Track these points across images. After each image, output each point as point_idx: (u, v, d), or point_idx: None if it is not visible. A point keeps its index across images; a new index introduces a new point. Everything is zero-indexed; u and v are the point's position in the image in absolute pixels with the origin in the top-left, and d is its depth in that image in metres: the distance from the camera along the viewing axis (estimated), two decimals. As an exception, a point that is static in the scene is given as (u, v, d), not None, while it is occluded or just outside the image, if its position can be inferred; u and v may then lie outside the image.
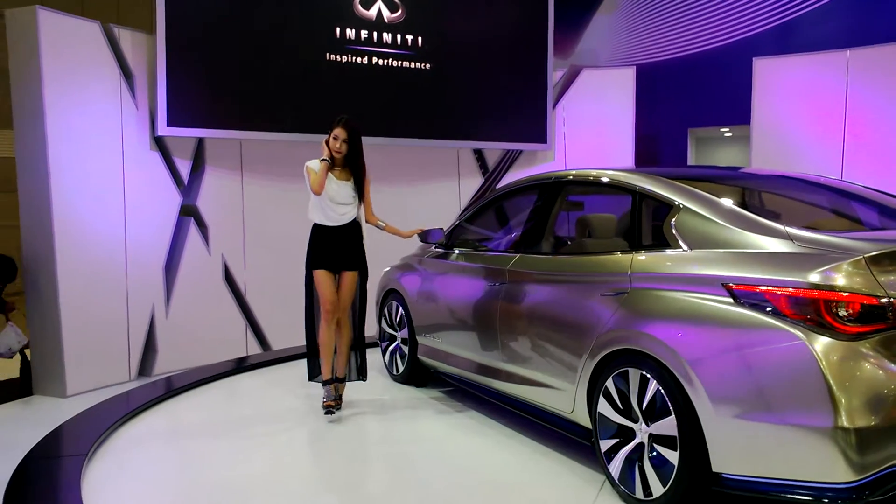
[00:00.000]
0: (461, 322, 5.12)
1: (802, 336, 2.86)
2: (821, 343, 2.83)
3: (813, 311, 2.87)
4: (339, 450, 4.58)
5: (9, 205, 6.23)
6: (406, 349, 5.92)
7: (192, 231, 6.72)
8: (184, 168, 6.70)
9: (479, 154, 8.47)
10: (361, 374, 5.46)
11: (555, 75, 8.54)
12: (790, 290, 2.93)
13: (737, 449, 3.03)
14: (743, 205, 3.64)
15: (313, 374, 5.39)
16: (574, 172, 4.67)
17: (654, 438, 3.34)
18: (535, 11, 8.27)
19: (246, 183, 7.08)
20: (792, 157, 7.29)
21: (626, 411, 3.52)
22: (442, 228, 5.59)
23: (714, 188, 3.79)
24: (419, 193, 7.98)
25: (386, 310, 6.22)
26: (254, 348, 7.12)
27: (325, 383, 5.20)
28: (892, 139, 6.87)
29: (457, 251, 5.47)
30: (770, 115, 7.53)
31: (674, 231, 3.54)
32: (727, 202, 3.55)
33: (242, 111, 6.81)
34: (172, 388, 5.76)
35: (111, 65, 6.12)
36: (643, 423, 3.41)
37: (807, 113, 7.34)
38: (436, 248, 5.73)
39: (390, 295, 6.15)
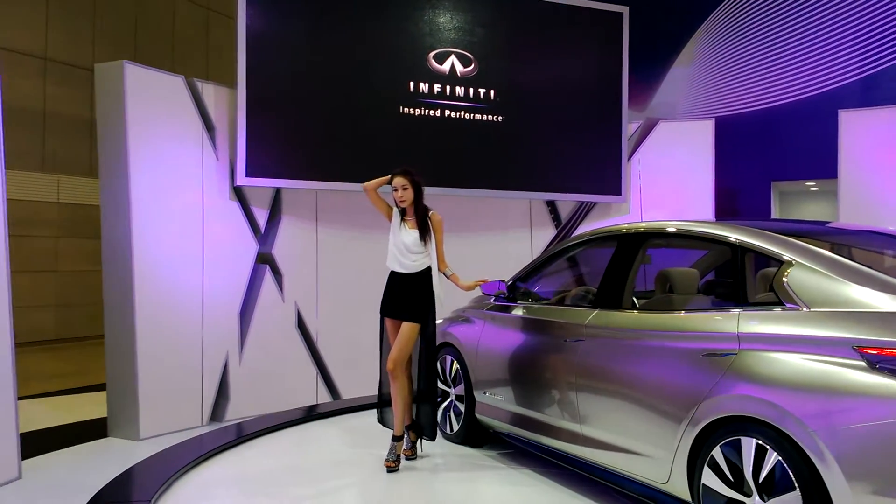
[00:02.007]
0: (529, 380, 4.86)
1: None
2: None
3: None
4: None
5: (94, 251, 6.46)
6: (461, 407, 5.66)
7: (268, 278, 6.85)
8: (261, 217, 6.87)
9: (551, 205, 8.41)
10: (425, 432, 5.35)
11: (630, 127, 8.46)
12: None
13: None
14: (860, 261, 3.38)
15: (384, 421, 5.44)
16: (661, 224, 4.43)
17: None
18: (609, 63, 8.24)
19: (320, 232, 7.21)
20: (882, 211, 6.99)
21: (737, 483, 3.24)
22: (504, 280, 5.41)
23: (821, 243, 3.53)
24: (491, 244, 7.95)
25: (439, 364, 5.89)
26: (323, 396, 7.14)
27: (392, 438, 5.19)
28: None
29: (522, 304, 5.23)
30: (858, 169, 7.26)
31: (787, 288, 3.30)
32: (846, 258, 3.32)
33: (318, 162, 6.96)
34: (242, 435, 5.81)
35: (194, 117, 6.36)
36: (757, 498, 3.14)
37: (897, 166, 7.06)
38: (495, 300, 5.50)
39: (444, 349, 5.85)
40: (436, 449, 5.53)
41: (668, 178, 8.44)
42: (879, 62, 8.40)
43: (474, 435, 5.63)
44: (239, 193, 6.71)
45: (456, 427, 5.74)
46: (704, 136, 8.40)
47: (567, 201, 8.37)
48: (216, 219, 6.48)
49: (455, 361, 5.76)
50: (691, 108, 10.02)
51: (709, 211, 8.30)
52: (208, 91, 6.50)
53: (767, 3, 9.34)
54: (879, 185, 7.13)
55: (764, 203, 9.67)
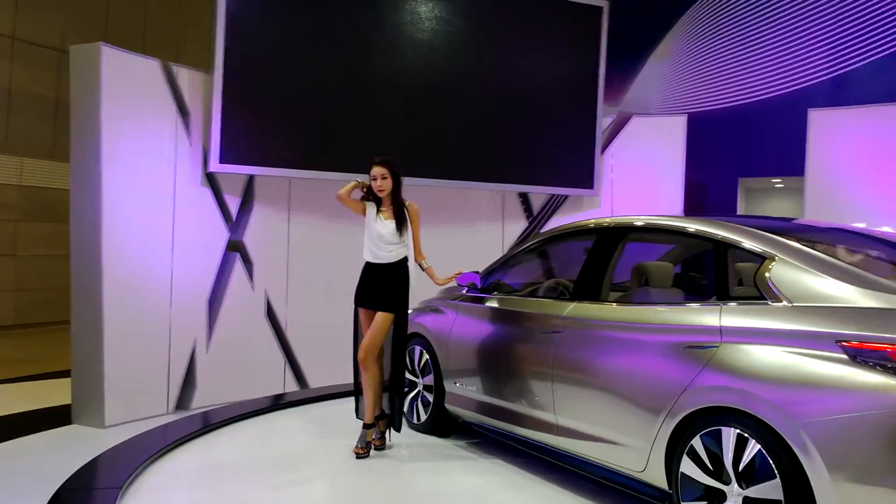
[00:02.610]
0: (504, 370, 4.87)
1: None
2: None
3: None
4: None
5: (61, 235, 6.35)
6: (430, 397, 5.66)
7: (238, 266, 6.78)
8: (233, 204, 6.79)
9: (524, 198, 8.42)
10: (392, 423, 5.33)
11: (604, 121, 8.50)
12: None
13: None
14: (837, 258, 3.47)
15: (360, 411, 5.43)
16: (642, 219, 4.48)
17: (750, 502, 3.16)
18: (586, 57, 8.24)
19: (292, 221, 7.15)
20: (847, 209, 7.10)
21: (716, 472, 3.32)
22: (477, 271, 5.43)
23: (800, 240, 3.60)
24: (463, 235, 7.94)
25: (406, 355, 5.83)
26: (291, 385, 7.10)
27: (363, 426, 5.19)
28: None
29: (496, 295, 5.25)
30: (825, 168, 7.37)
31: (770, 284, 3.39)
32: (828, 255, 3.42)
33: (292, 150, 6.90)
34: (209, 424, 5.76)
35: (168, 102, 6.26)
36: (736, 486, 3.22)
37: (864, 166, 7.17)
38: (468, 291, 5.51)
39: (412, 339, 5.80)
40: (403, 439, 5.51)
41: (640, 173, 8.49)
42: (849, 62, 8.54)
43: (442, 425, 5.65)
44: (211, 180, 6.63)
45: (423, 417, 5.73)
46: (677, 131, 8.45)
47: (539, 194, 8.39)
48: (187, 205, 6.39)
49: (424, 352, 5.75)
50: (665, 104, 10.10)
51: (678, 206, 8.38)
52: (183, 75, 6.40)
53: (741, 2, 9.44)
54: (847, 183, 7.24)
55: (731, 199, 9.78)
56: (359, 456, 5.04)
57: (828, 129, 7.39)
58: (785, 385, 3.09)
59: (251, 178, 6.90)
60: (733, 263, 3.68)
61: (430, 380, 5.68)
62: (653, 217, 4.43)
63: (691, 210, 8.86)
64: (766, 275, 3.42)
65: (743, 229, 3.74)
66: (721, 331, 3.45)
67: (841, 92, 8.53)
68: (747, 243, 3.63)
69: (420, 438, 5.63)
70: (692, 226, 4.03)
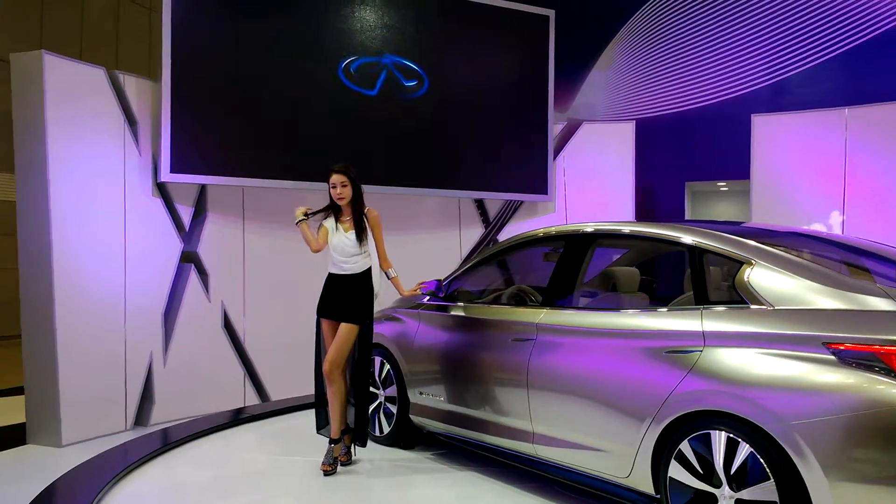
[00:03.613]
0: (475, 379, 4.79)
1: None
2: None
3: None
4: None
5: (8, 248, 6.12)
6: (392, 408, 5.54)
7: (193, 278, 6.63)
8: (185, 214, 6.64)
9: (480, 204, 8.45)
10: (357, 438, 5.17)
11: (555, 128, 8.58)
12: None
13: None
14: (812, 261, 3.53)
15: (320, 426, 5.30)
16: (612, 225, 4.50)
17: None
18: (536, 65, 8.34)
19: (247, 230, 7.03)
20: (792, 212, 7.32)
21: (706, 475, 3.34)
22: (440, 279, 5.36)
23: (774, 244, 3.66)
24: (420, 242, 7.92)
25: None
26: (251, 398, 6.97)
27: (329, 441, 5.08)
28: (891, 195, 6.93)
29: (461, 303, 5.17)
30: (769, 171, 7.58)
31: (751, 288, 3.43)
32: (800, 258, 3.48)
33: (245, 159, 6.77)
34: (169, 441, 5.59)
35: (115, 111, 6.09)
36: (727, 488, 3.24)
37: (806, 169, 7.41)
38: (430, 299, 5.42)
39: (372, 349, 5.67)
40: (366, 454, 5.36)
41: (592, 178, 8.60)
42: (788, 69, 8.81)
43: (406, 437, 5.53)
44: (162, 190, 6.48)
45: (387, 429, 5.60)
46: (626, 137, 8.60)
47: (495, 200, 8.42)
48: (139, 216, 6.23)
49: (385, 362, 5.63)
50: (610, 111, 10.25)
51: (630, 210, 8.52)
52: (130, 83, 6.24)
53: (682, 10, 9.66)
54: (791, 185, 7.47)
55: (678, 202, 9.98)
56: (326, 473, 4.92)
57: (770, 134, 7.61)
58: (775, 387, 3.13)
59: (203, 188, 6.76)
60: (709, 268, 3.72)
61: (392, 391, 5.56)
62: (624, 223, 4.47)
63: (642, 213, 9.02)
64: (746, 279, 3.47)
65: (718, 235, 3.78)
66: (704, 335, 3.47)
67: (780, 97, 8.81)
68: (722, 247, 3.68)
69: (384, 452, 5.50)
70: (660, 231, 4.06)
